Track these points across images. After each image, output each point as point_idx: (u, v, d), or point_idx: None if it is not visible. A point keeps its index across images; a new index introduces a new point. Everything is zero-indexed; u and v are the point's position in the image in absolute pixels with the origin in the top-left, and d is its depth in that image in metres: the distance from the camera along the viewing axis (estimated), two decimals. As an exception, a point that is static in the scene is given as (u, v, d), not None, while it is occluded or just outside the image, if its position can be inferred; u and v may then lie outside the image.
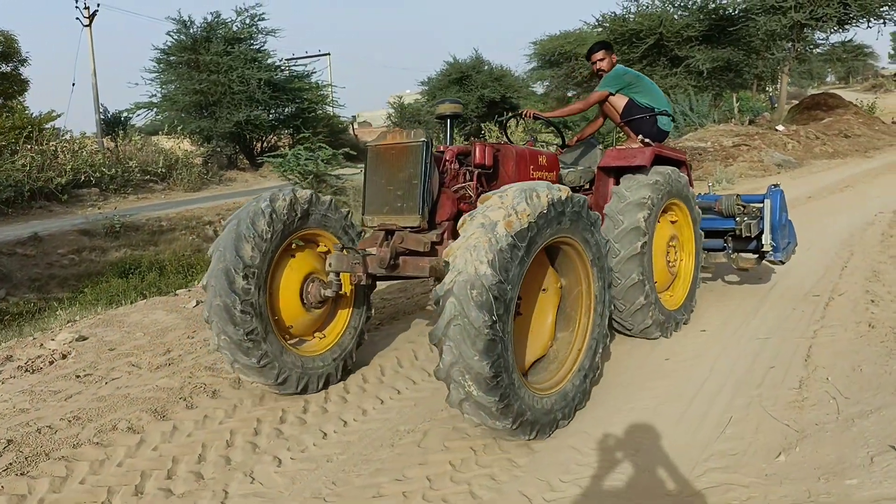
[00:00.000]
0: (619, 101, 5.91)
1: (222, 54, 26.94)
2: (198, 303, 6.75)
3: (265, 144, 30.89)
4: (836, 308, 5.74)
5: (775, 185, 6.37)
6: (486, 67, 46.73)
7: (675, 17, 25.82)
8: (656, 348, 5.11)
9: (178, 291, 7.92)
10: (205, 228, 16.99)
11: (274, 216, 4.24)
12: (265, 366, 4.19)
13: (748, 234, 6.21)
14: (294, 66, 35.63)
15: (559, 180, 5.50)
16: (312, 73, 33.46)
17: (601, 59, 6.03)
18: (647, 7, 26.16)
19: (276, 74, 30.00)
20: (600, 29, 27.79)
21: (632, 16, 26.41)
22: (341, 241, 4.70)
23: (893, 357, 4.43)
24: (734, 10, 24.75)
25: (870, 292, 6.05)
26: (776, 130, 21.11)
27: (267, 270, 4.25)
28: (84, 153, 21.46)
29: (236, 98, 26.94)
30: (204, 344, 5.45)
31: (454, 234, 4.21)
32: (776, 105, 25.32)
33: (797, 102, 29.60)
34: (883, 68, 73.71)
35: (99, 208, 18.53)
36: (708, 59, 24.10)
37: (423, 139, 4.35)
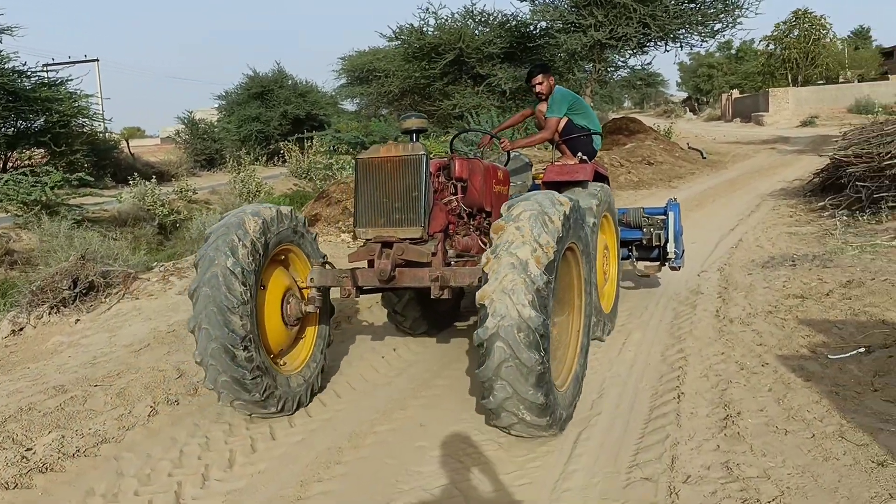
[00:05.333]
0: (560, 122, 6.12)
1: (-66, 54, 21.58)
2: None
3: (8, 165, 25.56)
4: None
5: (673, 199, 7.00)
6: (289, 82, 43.92)
7: (476, 32, 24.12)
8: None
9: None
10: None
11: (254, 244, 3.99)
12: (267, 398, 4.11)
13: (657, 244, 6.79)
14: (51, 72, 30.42)
15: None
16: (67, 80, 28.35)
17: (540, 83, 6.20)
18: (447, 21, 24.20)
19: (15, 80, 24.85)
20: (398, 42, 25.57)
21: (430, 28, 24.37)
22: (305, 252, 4.60)
23: None
24: (535, 27, 23.47)
25: (738, 477, 3.49)
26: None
27: (254, 300, 4.03)
28: None
29: (-46, 108, 21.68)
30: None
31: (445, 246, 4.64)
32: (580, 129, 24.22)
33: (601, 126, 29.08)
34: (672, 95, 79.09)
35: None
36: (510, 78, 22.58)
37: (422, 152, 4.37)
